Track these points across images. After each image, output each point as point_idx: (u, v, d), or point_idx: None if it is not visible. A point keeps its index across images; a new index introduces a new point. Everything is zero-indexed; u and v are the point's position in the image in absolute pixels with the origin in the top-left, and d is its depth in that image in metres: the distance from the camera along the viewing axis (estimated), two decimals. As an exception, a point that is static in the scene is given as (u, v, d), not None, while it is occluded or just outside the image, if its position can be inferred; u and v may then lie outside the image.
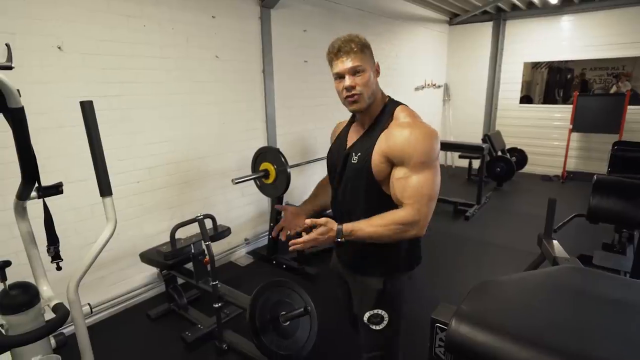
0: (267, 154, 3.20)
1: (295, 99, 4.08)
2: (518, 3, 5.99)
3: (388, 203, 1.29)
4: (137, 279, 2.93)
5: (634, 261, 2.43)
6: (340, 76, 1.28)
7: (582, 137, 6.12)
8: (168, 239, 2.54)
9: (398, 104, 1.36)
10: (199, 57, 3.08)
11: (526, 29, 6.37)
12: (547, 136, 6.44)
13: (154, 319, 2.69)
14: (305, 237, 1.24)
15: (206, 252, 2.23)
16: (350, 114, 1.48)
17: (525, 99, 6.85)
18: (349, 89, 1.27)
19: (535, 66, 7.01)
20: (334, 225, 1.25)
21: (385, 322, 1.42)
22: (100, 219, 2.55)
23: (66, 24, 2.32)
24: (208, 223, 2.44)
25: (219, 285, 2.24)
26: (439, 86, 7.06)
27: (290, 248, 1.27)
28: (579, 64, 6.72)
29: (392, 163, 1.27)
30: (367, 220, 1.26)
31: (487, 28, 6.65)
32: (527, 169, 6.39)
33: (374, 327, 1.43)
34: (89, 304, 1.53)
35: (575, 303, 0.87)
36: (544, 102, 6.99)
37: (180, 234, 2.52)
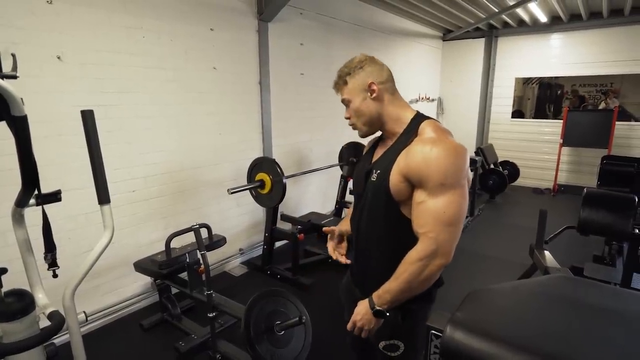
0: (263, 165, 3.22)
1: (291, 111, 4.13)
2: (509, 21, 6.16)
3: (408, 226, 1.18)
4: (131, 288, 2.91)
5: (623, 273, 2.47)
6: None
7: (572, 151, 6.24)
8: (162, 249, 2.54)
9: (425, 118, 1.25)
10: (197, 69, 3.12)
11: (517, 46, 6.54)
12: (538, 150, 6.56)
13: (147, 328, 2.66)
14: (350, 324, 1.26)
15: (201, 261, 2.23)
16: None
17: (517, 113, 6.99)
18: (347, 118, 1.32)
19: (526, 82, 7.16)
20: (363, 307, 1.22)
21: (400, 351, 1.33)
22: (95, 227, 2.56)
23: (66, 34, 2.35)
24: (203, 232, 2.45)
25: (213, 295, 2.24)
26: (433, 100, 7.19)
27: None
28: (568, 80, 6.89)
29: (412, 184, 1.16)
30: (393, 276, 1.17)
31: (480, 44, 6.81)
32: (519, 181, 6.49)
33: (389, 353, 1.33)
34: (84, 312, 1.52)
35: (566, 311, 0.90)
36: (535, 117, 7.13)
37: (175, 243, 2.52)
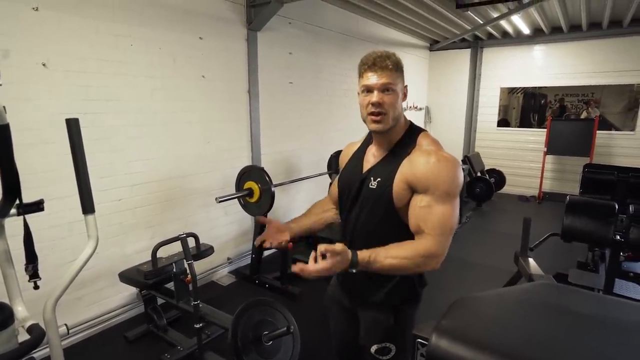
0: (252, 173, 3.21)
1: (280, 119, 4.14)
2: (494, 32, 6.32)
3: (403, 231, 1.24)
4: (115, 299, 2.85)
5: (606, 279, 2.52)
6: (368, 90, 1.21)
7: (556, 160, 6.38)
8: (148, 258, 2.50)
9: (420, 129, 1.31)
10: (186, 77, 3.11)
11: (502, 57, 6.70)
12: (523, 158, 6.68)
13: (132, 340, 2.60)
14: (320, 264, 1.10)
15: (188, 271, 2.20)
16: (361, 131, 1.45)
17: (503, 122, 7.12)
18: (376, 105, 1.20)
19: (511, 91, 7.32)
20: (349, 254, 1.14)
21: (392, 353, 1.36)
22: (78, 237, 2.51)
23: (52, 42, 2.32)
24: (191, 242, 2.42)
25: (200, 305, 2.21)
26: (421, 109, 7.29)
27: (300, 273, 1.14)
28: (552, 90, 7.06)
29: (413, 190, 1.22)
30: (384, 250, 1.17)
31: (466, 54, 6.96)
32: (505, 189, 6.59)
33: (382, 357, 1.36)
34: (65, 324, 1.49)
35: (550, 318, 0.91)
36: (520, 126, 7.27)
37: (162, 252, 2.48)
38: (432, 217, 1.17)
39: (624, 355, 0.75)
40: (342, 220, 1.43)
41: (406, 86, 1.28)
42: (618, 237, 2.35)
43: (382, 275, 1.25)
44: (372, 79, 1.20)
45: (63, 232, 2.48)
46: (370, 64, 1.20)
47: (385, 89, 1.20)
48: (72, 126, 1.34)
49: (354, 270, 1.15)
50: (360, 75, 1.24)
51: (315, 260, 1.12)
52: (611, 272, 2.49)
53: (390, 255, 1.16)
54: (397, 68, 1.22)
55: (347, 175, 1.42)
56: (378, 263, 1.15)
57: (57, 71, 2.36)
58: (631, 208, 2.33)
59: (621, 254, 2.51)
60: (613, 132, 6.14)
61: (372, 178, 1.29)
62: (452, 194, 1.19)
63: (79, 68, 2.46)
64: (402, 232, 1.24)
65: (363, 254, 1.15)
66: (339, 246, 1.12)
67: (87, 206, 1.39)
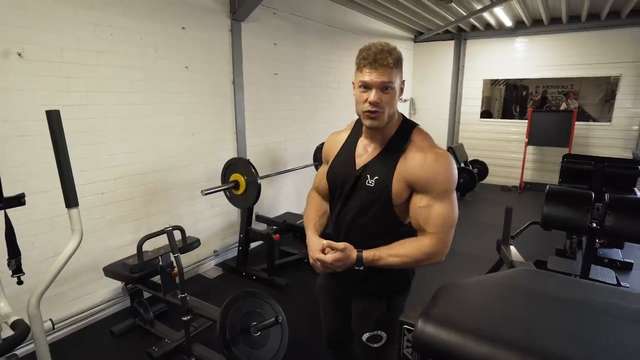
0: (237, 165, 3.20)
1: (266, 111, 4.11)
2: (477, 24, 6.38)
3: (397, 225, 1.28)
4: (100, 294, 2.81)
5: (582, 265, 2.62)
6: (366, 86, 1.17)
7: (536, 150, 6.53)
8: (133, 252, 2.47)
9: (414, 125, 1.30)
10: (168, 68, 3.05)
11: (485, 49, 6.77)
12: (505, 149, 6.82)
13: (118, 335, 2.58)
14: (323, 258, 1.22)
15: (175, 264, 2.19)
16: (346, 123, 1.44)
17: (486, 113, 7.23)
18: (374, 104, 1.17)
19: (494, 83, 7.43)
20: (353, 252, 1.22)
21: (383, 341, 1.39)
22: (60, 232, 2.46)
23: (27, 30, 2.24)
24: (177, 235, 2.40)
25: (187, 298, 2.20)
26: (405, 100, 7.34)
27: (313, 263, 1.27)
28: (533, 82, 7.20)
29: (412, 189, 1.23)
30: (388, 249, 1.23)
31: (449, 46, 7.01)
32: (487, 179, 6.72)
33: (372, 345, 1.39)
34: (50, 319, 1.47)
35: (529, 302, 0.95)
36: (503, 117, 7.41)
37: (147, 246, 2.46)
38: (433, 216, 1.20)
39: (594, 334, 0.79)
40: (335, 214, 1.41)
41: (404, 81, 1.24)
42: (594, 225, 2.44)
43: (374, 269, 1.27)
44: (371, 76, 1.15)
45: (45, 226, 2.42)
46: (371, 59, 1.14)
47: (384, 87, 1.16)
48: (53, 118, 1.31)
49: (361, 268, 1.23)
50: (359, 68, 1.19)
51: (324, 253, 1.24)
52: (587, 259, 2.59)
53: (394, 254, 1.22)
54: (398, 64, 1.18)
55: (338, 169, 1.38)
56: (383, 260, 1.22)
57: (34, 61, 2.28)
58: (606, 197, 2.42)
59: (597, 241, 2.61)
60: (591, 123, 6.32)
61: (368, 176, 1.27)
62: (450, 190, 1.21)
63: (57, 58, 2.38)
64: (397, 226, 1.28)
65: (368, 253, 1.22)
66: (341, 244, 1.22)
67: (71, 200, 1.37)
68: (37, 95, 2.31)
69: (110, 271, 2.52)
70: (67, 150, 1.37)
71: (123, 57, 2.73)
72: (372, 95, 1.16)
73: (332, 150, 1.45)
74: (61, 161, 1.34)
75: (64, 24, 2.39)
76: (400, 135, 1.27)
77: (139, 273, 2.40)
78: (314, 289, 1.63)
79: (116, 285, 2.85)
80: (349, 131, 1.43)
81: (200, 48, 3.29)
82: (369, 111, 1.19)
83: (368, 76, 1.16)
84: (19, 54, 2.23)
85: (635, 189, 3.75)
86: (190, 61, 3.21)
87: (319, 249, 1.26)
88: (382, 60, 1.14)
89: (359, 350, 1.45)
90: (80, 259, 2.61)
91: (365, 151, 1.32)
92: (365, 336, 1.39)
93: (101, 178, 2.71)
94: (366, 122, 1.23)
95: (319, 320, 1.65)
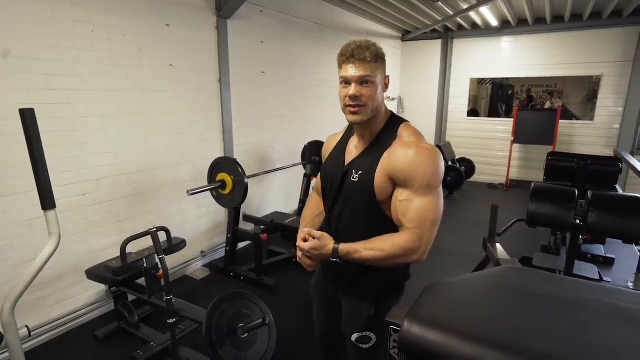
0: (224, 165, 3.15)
1: (253, 110, 4.07)
2: (463, 24, 6.44)
3: (387, 224, 1.25)
4: (82, 297, 2.74)
5: (566, 261, 2.66)
6: (346, 82, 1.20)
7: (522, 148, 6.63)
8: (117, 254, 2.42)
9: (402, 120, 1.30)
10: (152, 66, 2.99)
11: (471, 48, 6.84)
12: (492, 147, 6.90)
13: (102, 339, 2.53)
14: (301, 246, 1.24)
15: (160, 266, 2.15)
16: (344, 125, 1.43)
17: (473, 112, 7.31)
18: (353, 98, 1.19)
19: (480, 82, 7.52)
20: (330, 242, 1.21)
21: (372, 342, 1.37)
22: (39, 235, 2.39)
23: (5, 26, 2.17)
24: (162, 236, 2.36)
25: (173, 300, 2.16)
26: (393, 99, 7.36)
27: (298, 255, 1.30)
28: (518, 81, 7.31)
29: (395, 183, 1.21)
30: (365, 243, 1.20)
31: (437, 45, 7.06)
32: (475, 177, 6.80)
33: (362, 346, 1.38)
34: (26, 326, 1.42)
35: (514, 300, 0.95)
36: (489, 116, 7.50)
37: (131, 248, 2.40)
38: (412, 210, 1.18)
39: (578, 330, 0.79)
40: (327, 214, 1.43)
41: (388, 76, 1.26)
42: (577, 221, 2.48)
43: (365, 268, 1.27)
44: (350, 71, 1.18)
45: (23, 229, 2.35)
46: (349, 55, 1.18)
47: (363, 81, 1.18)
48: (27, 117, 1.26)
49: (337, 260, 1.21)
50: (339, 66, 1.22)
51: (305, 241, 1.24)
52: (571, 255, 2.63)
53: (370, 248, 1.19)
54: (377, 59, 1.19)
55: (329, 168, 1.41)
56: (358, 254, 1.19)
57: (12, 58, 2.21)
58: (589, 194, 2.45)
59: (580, 237, 2.65)
60: (574, 121, 6.44)
61: (353, 171, 1.28)
62: (433, 185, 1.18)
63: (36, 55, 2.31)
64: (386, 225, 1.25)
65: (344, 246, 1.21)
66: (318, 232, 1.23)
67: (47, 202, 1.33)
68: (14, 94, 2.24)
69: (93, 274, 2.47)
70: (43, 149, 1.32)
71: (105, 55, 2.66)
72: (352, 89, 1.18)
73: (327, 153, 1.49)
74: (36, 161, 1.29)
75: (42, 20, 2.31)
76: (387, 131, 1.27)
77: (122, 276, 2.35)
78: (303, 289, 1.62)
79: (99, 288, 2.78)
80: (344, 132, 1.47)
81: (185, 46, 3.23)
82: (350, 105, 1.21)
83: (347, 72, 1.19)
84: (-5, 51, 2.15)
85: (617, 186, 3.82)
86: (175, 59, 3.16)
87: (302, 237, 1.27)
88: (359, 55, 1.17)
89: (350, 350, 1.45)
90: (61, 262, 2.55)
91: (355, 149, 1.34)
92: (354, 337, 1.38)
93: (84, 178, 2.64)
94: (349, 118, 1.24)
95: (308, 320, 1.64)
